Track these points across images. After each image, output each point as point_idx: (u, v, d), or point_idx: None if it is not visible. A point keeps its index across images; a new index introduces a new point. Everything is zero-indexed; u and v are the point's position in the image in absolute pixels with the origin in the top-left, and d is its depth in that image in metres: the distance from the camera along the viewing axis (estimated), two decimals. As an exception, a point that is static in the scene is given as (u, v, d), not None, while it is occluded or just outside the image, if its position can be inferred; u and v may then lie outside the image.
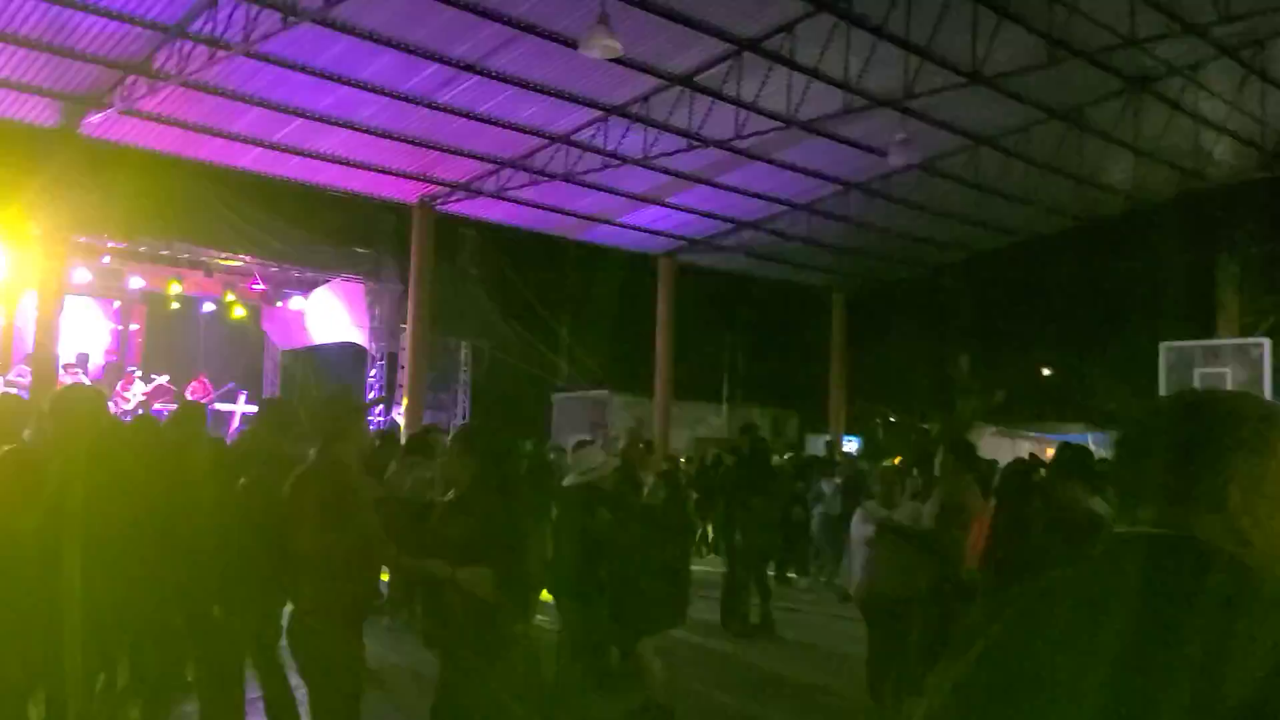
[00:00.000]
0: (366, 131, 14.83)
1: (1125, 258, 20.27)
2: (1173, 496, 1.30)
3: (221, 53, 11.77)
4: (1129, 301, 24.41)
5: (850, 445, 24.69)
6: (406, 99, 13.97)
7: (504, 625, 4.15)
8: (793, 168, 17.23)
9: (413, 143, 15.35)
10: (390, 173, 16.38)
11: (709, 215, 19.32)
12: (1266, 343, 17.00)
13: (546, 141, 15.72)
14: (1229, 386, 16.82)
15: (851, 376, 24.61)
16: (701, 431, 26.34)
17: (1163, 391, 17.59)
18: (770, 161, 16.86)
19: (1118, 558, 1.31)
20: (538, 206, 18.12)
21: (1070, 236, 21.15)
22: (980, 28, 12.23)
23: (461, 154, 15.94)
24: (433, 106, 14.23)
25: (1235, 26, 12.67)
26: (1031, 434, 24.19)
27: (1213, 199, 19.02)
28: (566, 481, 6.32)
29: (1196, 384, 17.27)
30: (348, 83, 13.42)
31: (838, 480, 12.86)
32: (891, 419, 28.94)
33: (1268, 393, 16.84)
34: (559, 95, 14.28)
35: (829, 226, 19.69)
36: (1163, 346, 17.78)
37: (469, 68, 13.27)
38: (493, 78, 13.57)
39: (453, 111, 14.42)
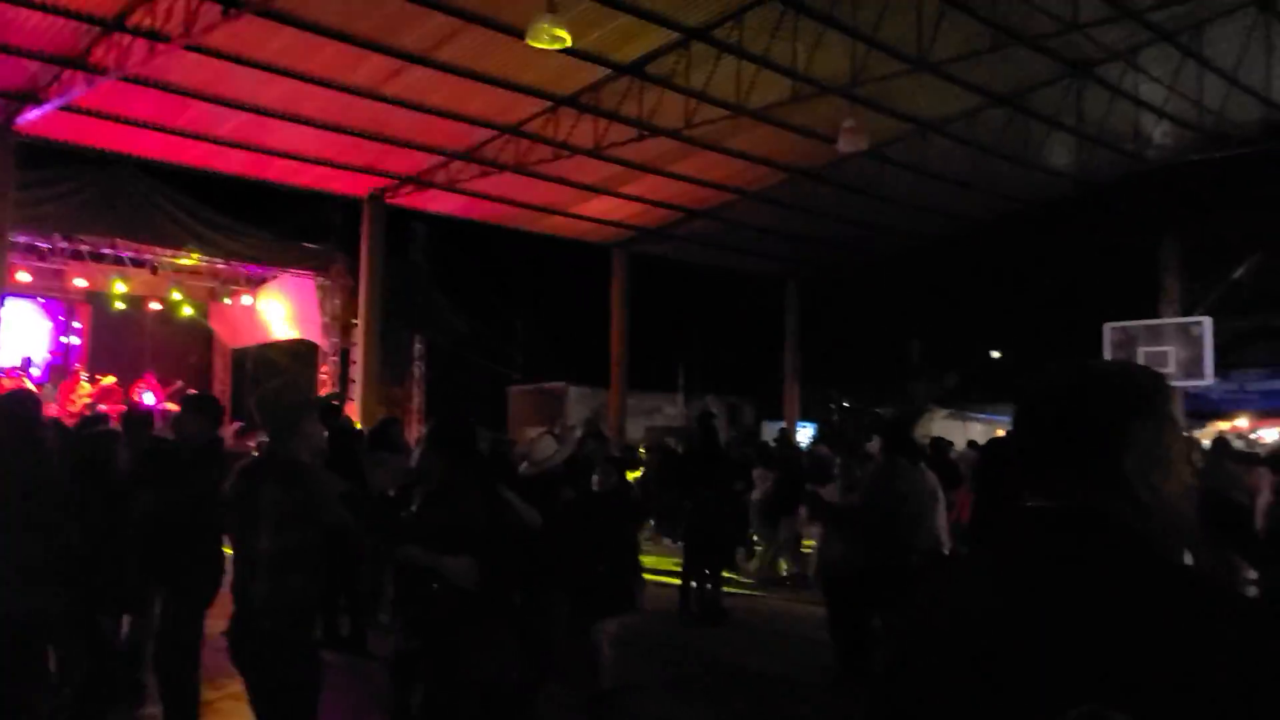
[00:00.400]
0: (313, 125, 14.64)
1: (1071, 240, 20.64)
2: (1072, 468, 1.31)
3: (161, 46, 11.55)
4: (1075, 283, 24.87)
5: (805, 431, 24.93)
6: (353, 92, 13.80)
7: (488, 615, 4.15)
8: (743, 155, 17.29)
9: (361, 135, 15.18)
10: (338, 166, 16.20)
11: (661, 205, 19.34)
12: (1207, 322, 17.41)
13: (496, 133, 15.64)
14: (1171, 365, 17.22)
15: (806, 363, 24.80)
16: (658, 421, 26.44)
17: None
18: (721, 150, 16.92)
19: (1022, 534, 1.32)
20: (489, 198, 18.02)
21: (1017, 220, 21.46)
22: (925, 14, 12.34)
23: (410, 146, 15.80)
24: (380, 99, 14.08)
25: (1172, 11, 12.94)
26: (983, 416, 24.59)
27: (1154, 181, 19.40)
28: (523, 470, 6.34)
29: (1141, 362, 17.66)
30: (293, 75, 13.24)
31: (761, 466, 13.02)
32: (845, 404, 29.24)
33: (1208, 370, 17.27)
34: (508, 86, 14.20)
35: (780, 214, 19.79)
36: (1107, 327, 18.16)
37: (416, 59, 13.16)
38: (440, 69, 13.46)
39: (400, 104, 14.28)
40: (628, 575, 6.28)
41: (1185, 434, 1.36)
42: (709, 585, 10.05)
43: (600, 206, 19.10)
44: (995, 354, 30.24)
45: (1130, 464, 1.28)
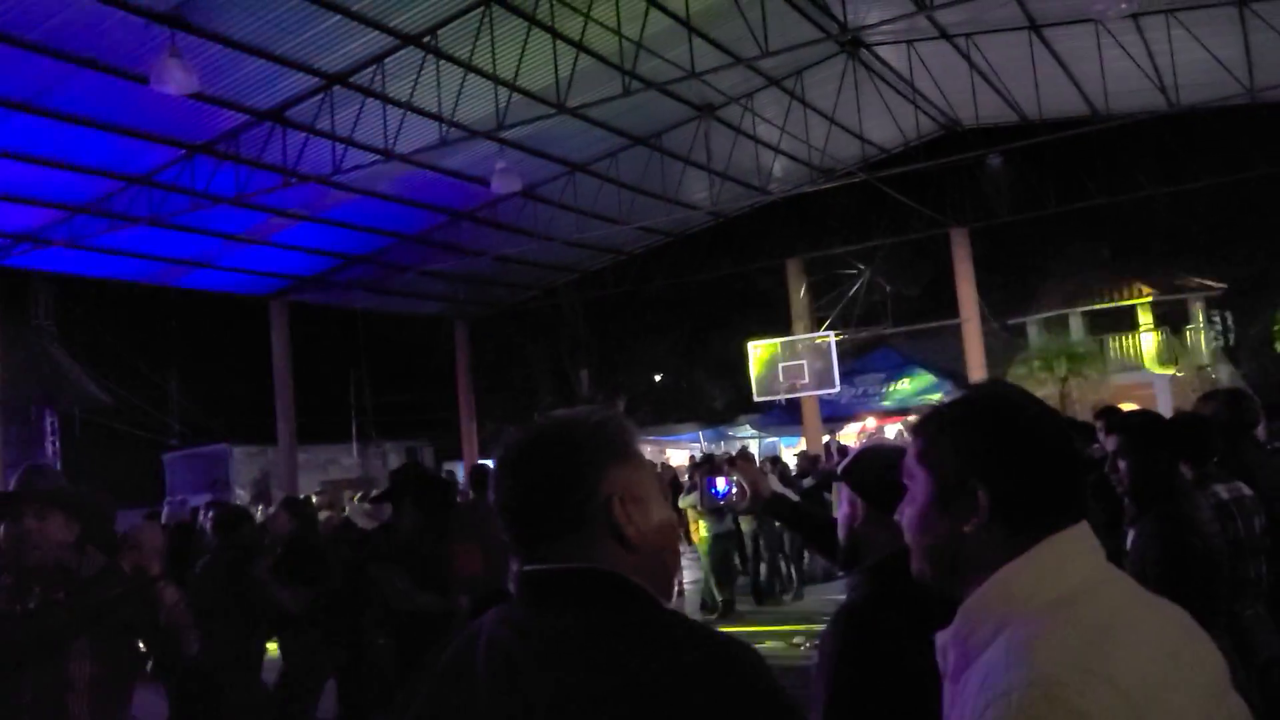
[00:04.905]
0: (-104, 180, 12.93)
1: (714, 268, 22.33)
2: (560, 524, 1.30)
3: None
4: (722, 308, 26.94)
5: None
6: (-56, 143, 12.35)
7: None
8: (398, 199, 17.21)
9: (-42, 191, 13.58)
10: (-67, 226, 14.38)
11: (317, 252, 18.79)
12: (831, 335, 19.53)
13: (124, 184, 14.53)
14: (806, 377, 19.10)
15: (481, 401, 24.96)
16: (334, 474, 25.52)
17: (754, 387, 19.60)
18: (374, 194, 16.73)
19: (521, 601, 1.32)
20: (123, 254, 16.67)
21: (666, 251, 22.94)
22: (560, 61, 12.95)
23: (21, 201, 14.30)
24: (-22, 150, 12.68)
25: (776, 59, 14.42)
26: (651, 437, 25.88)
27: (778, 211, 21.49)
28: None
29: (780, 377, 19.45)
30: None
31: None
32: (524, 438, 29.69)
33: (836, 377, 19.32)
34: (133, 134, 13.26)
35: (442, 255, 19.85)
36: (750, 346, 19.84)
37: (18, 106, 11.98)
38: (49, 116, 12.34)
39: (4, 155, 12.93)
40: None
41: (651, 468, 1.44)
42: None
43: (252, 257, 18.24)
44: (658, 377, 31.93)
45: (619, 509, 1.30)
